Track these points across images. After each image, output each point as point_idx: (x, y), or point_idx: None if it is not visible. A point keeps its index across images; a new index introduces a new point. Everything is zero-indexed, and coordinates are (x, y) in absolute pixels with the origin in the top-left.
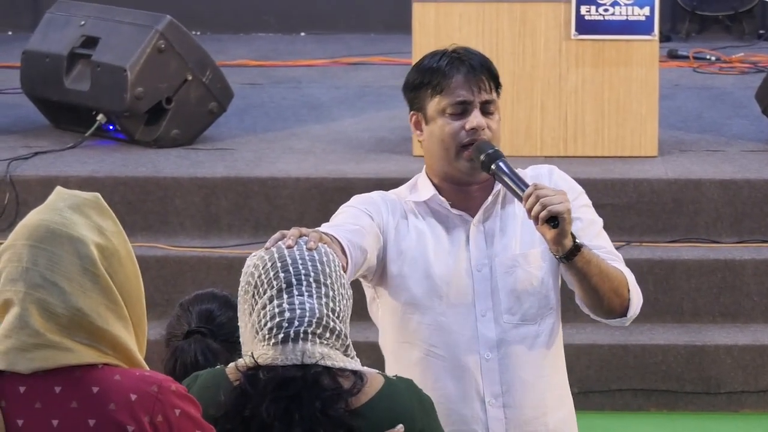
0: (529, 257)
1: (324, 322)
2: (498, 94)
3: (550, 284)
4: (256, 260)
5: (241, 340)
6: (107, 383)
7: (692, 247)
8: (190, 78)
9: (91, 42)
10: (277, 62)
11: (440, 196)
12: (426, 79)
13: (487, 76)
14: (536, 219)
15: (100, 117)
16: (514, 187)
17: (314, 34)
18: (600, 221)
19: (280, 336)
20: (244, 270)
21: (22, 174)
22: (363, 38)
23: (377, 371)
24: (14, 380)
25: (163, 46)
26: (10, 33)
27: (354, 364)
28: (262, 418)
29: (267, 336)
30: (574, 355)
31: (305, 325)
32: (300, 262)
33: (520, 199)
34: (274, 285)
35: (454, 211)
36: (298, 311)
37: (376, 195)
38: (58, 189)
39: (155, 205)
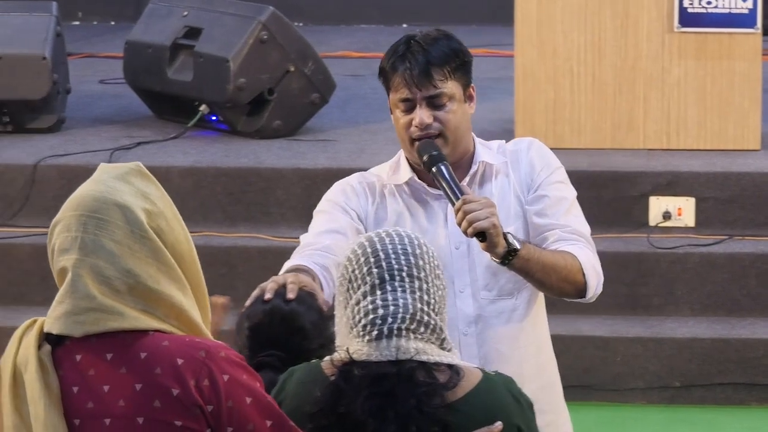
0: None
1: (418, 317)
2: (461, 79)
3: None
4: (350, 253)
5: (336, 329)
6: (155, 349)
7: None
8: (292, 69)
9: (193, 33)
10: (379, 54)
11: (417, 179)
12: (381, 72)
13: (434, 70)
14: (465, 233)
15: (202, 107)
16: (450, 194)
17: (416, 25)
18: (570, 197)
19: (374, 333)
20: (342, 261)
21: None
22: (465, 30)
23: (476, 366)
24: (72, 349)
25: (265, 37)
26: (113, 23)
27: (450, 357)
28: (356, 414)
29: (361, 332)
30: (676, 349)
31: (399, 321)
32: (393, 256)
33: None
34: (368, 281)
35: (432, 190)
36: (391, 308)
37: (354, 182)
38: (102, 164)
39: (257, 196)
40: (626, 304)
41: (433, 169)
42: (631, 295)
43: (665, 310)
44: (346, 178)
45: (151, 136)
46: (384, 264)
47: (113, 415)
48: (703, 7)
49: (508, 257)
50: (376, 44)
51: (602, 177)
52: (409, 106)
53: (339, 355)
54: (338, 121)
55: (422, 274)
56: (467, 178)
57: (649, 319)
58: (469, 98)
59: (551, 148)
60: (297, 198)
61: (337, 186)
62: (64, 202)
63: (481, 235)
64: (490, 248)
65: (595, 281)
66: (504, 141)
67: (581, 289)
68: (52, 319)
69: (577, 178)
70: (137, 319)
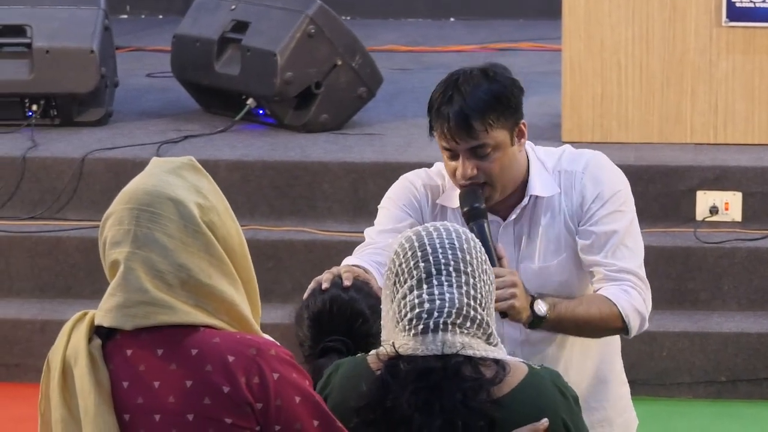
0: (550, 268)
1: (464, 312)
2: (506, 124)
3: (574, 283)
4: (397, 247)
5: (382, 323)
6: (206, 346)
7: None
8: (339, 63)
9: (241, 26)
10: (426, 48)
11: None
12: (429, 110)
13: (474, 122)
14: None
15: (249, 101)
16: None
17: (464, 19)
18: (622, 228)
19: (420, 327)
20: (389, 255)
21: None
22: (512, 24)
23: (521, 360)
24: (123, 344)
25: (313, 31)
26: (160, 17)
27: (496, 352)
28: (403, 408)
29: (407, 327)
30: (722, 344)
31: (444, 315)
32: (440, 250)
33: None
34: (414, 275)
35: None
36: (437, 302)
37: (419, 184)
38: (154, 158)
39: (303, 190)
40: (673, 299)
41: (470, 224)
42: (678, 289)
43: (712, 305)
44: (411, 176)
45: (198, 129)
46: (431, 258)
47: (163, 411)
48: (751, 1)
49: (536, 324)
50: (424, 38)
51: (649, 171)
52: (452, 155)
53: (385, 349)
54: (385, 115)
55: (469, 269)
56: (518, 210)
57: (695, 313)
58: (519, 136)
59: (598, 143)
60: (343, 192)
61: (402, 184)
62: (111, 195)
63: (503, 313)
64: (514, 320)
65: (638, 323)
66: (566, 150)
67: (622, 332)
68: (103, 311)
69: (624, 172)
70: (188, 314)
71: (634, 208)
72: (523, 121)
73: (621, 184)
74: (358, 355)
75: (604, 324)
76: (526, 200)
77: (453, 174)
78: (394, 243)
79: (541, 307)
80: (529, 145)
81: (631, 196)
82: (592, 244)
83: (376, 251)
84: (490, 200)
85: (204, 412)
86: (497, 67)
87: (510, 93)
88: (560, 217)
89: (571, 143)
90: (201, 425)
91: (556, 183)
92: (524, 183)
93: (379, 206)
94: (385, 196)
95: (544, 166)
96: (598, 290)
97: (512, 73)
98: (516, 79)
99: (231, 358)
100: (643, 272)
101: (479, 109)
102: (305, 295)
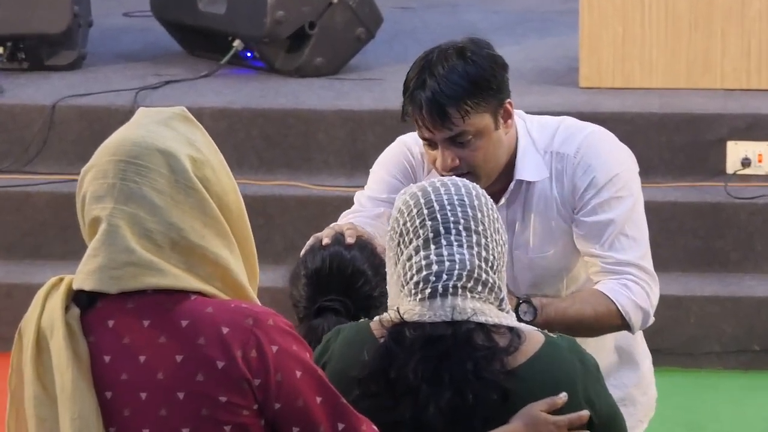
0: (546, 258)
1: (475, 275)
2: (487, 107)
3: (578, 270)
4: (401, 204)
5: (387, 288)
6: (198, 316)
7: None
8: (335, 1)
9: None
10: None
11: None
12: (404, 91)
13: (449, 109)
14: None
15: (236, 43)
16: None
17: None
18: (620, 217)
19: (428, 291)
20: (392, 212)
21: (152, 105)
22: None
23: (536, 328)
24: (104, 313)
25: None
26: None
27: (510, 319)
28: (408, 379)
29: (413, 291)
30: (755, 309)
31: (455, 278)
32: (449, 207)
33: None
34: (420, 234)
35: None
36: (446, 263)
37: (416, 151)
38: (141, 108)
39: (296, 140)
40: (701, 260)
41: None
42: (707, 249)
43: (744, 266)
44: (408, 139)
45: (180, 74)
46: (438, 216)
47: (150, 389)
48: None
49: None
50: None
51: (675, 120)
52: (430, 144)
53: (388, 315)
54: (385, 58)
55: (480, 228)
56: (507, 194)
57: (726, 276)
58: (504, 118)
59: (619, 89)
60: (340, 142)
61: (397, 148)
62: (84, 145)
63: None
64: None
65: (640, 319)
66: (562, 124)
67: (623, 329)
68: (84, 274)
69: (647, 120)
70: (178, 278)
71: (638, 191)
72: (508, 100)
73: (619, 167)
74: (360, 320)
75: (600, 323)
76: (512, 185)
77: (433, 162)
78: (396, 199)
79: (526, 313)
80: (521, 118)
81: (635, 177)
82: (587, 235)
83: (365, 221)
84: None
85: (196, 389)
86: (477, 43)
87: (490, 74)
88: (552, 203)
89: (590, 89)
90: (193, 404)
91: (545, 165)
92: (512, 165)
93: (372, 170)
94: (378, 158)
95: (535, 146)
96: (596, 284)
97: (494, 48)
98: (497, 55)
99: (226, 330)
100: (647, 262)
101: (454, 95)
102: (303, 252)
